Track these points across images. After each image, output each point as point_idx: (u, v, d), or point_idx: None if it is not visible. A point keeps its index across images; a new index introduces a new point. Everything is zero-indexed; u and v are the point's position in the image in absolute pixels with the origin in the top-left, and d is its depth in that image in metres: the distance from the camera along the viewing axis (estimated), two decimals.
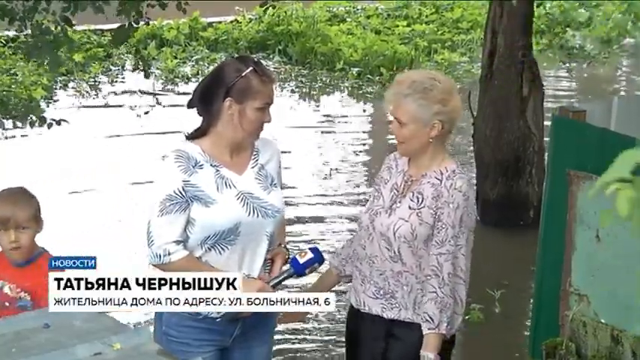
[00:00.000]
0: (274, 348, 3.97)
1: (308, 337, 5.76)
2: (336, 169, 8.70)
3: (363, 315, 3.55)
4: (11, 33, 6.83)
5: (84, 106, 10.36)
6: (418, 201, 3.43)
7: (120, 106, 10.46)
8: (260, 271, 3.40)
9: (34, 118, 7.60)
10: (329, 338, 5.73)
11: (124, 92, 10.85)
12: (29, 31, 6.18)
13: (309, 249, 3.48)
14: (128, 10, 6.44)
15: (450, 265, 3.37)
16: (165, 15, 7.08)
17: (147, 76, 11.12)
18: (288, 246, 3.58)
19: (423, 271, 3.41)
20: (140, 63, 10.57)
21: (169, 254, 3.29)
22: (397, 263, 3.44)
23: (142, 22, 6.68)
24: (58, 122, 7.07)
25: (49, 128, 7.12)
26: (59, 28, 6.20)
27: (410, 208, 3.44)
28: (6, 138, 9.14)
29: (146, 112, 10.19)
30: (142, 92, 10.81)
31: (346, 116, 10.42)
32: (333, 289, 3.65)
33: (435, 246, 3.38)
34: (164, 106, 10.45)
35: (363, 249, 3.54)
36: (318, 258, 3.45)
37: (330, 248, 6.28)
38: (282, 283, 3.45)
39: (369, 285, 3.52)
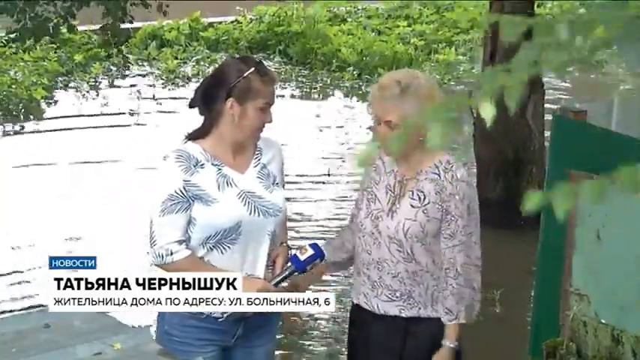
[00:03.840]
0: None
1: (311, 337, 5.75)
2: (338, 165, 8.70)
3: (377, 317, 3.52)
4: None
5: (83, 99, 10.36)
6: (420, 199, 3.43)
7: (121, 95, 10.47)
8: (264, 270, 3.40)
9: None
10: (333, 339, 5.72)
11: (124, 92, 10.84)
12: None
13: (309, 245, 3.47)
14: (114, 12, 6.45)
15: (463, 255, 3.42)
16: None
17: (126, 67, 11.06)
18: (289, 244, 3.58)
19: (438, 266, 3.44)
20: (120, 57, 10.48)
21: (172, 254, 3.29)
22: (411, 263, 3.44)
23: (126, 22, 6.70)
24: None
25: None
26: (60, 19, 6.14)
27: (413, 207, 3.43)
28: (4, 136, 9.14)
29: (146, 113, 10.19)
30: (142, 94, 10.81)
31: (347, 115, 10.41)
32: (333, 290, 3.64)
33: (448, 239, 3.41)
34: (164, 109, 10.45)
35: (368, 254, 3.51)
36: (318, 254, 3.44)
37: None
38: (285, 280, 3.45)
39: (381, 289, 3.50)
